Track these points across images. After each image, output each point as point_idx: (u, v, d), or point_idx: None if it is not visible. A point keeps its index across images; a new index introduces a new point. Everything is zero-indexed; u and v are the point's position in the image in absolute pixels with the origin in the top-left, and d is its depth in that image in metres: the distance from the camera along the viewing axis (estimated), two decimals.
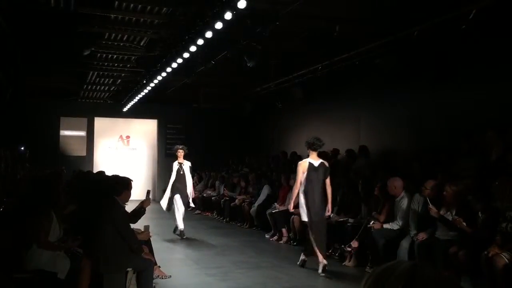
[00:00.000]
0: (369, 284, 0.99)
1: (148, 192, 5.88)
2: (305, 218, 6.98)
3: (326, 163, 7.10)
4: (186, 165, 10.34)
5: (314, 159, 7.02)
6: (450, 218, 5.97)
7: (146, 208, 5.75)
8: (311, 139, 7.08)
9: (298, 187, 6.97)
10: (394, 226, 6.96)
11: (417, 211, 6.59)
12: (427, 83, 9.19)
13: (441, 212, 6.09)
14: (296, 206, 7.21)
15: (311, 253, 7.02)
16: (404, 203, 6.92)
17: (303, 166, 6.96)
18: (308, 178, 6.88)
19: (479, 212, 5.74)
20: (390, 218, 7.15)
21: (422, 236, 6.32)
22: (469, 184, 6.11)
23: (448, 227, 5.99)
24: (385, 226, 7.04)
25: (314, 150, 7.07)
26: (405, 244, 6.46)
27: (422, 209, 6.47)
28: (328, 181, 7.03)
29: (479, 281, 5.63)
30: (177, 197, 10.07)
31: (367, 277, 1.02)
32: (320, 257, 6.77)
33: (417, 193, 6.72)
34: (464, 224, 5.77)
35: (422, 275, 0.95)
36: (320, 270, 6.73)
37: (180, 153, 10.32)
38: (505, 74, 7.58)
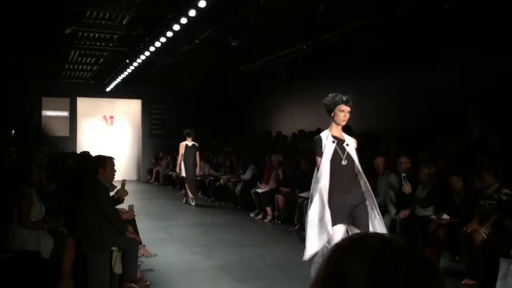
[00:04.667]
0: (335, 258, 0.92)
1: (124, 182, 5.71)
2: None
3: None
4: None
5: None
6: (422, 196, 6.13)
7: (128, 192, 5.68)
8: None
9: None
10: None
11: (395, 189, 6.72)
12: (410, 63, 9.25)
13: (417, 190, 6.24)
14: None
15: None
16: (384, 181, 7.04)
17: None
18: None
19: (455, 192, 5.86)
20: (375, 196, 7.26)
21: (403, 213, 6.45)
22: (448, 163, 6.23)
23: (418, 205, 6.16)
24: None
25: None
26: (385, 221, 6.57)
27: (400, 187, 6.61)
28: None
29: (458, 256, 5.79)
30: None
31: (332, 249, 0.95)
32: None
33: (393, 173, 6.85)
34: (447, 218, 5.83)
35: (392, 245, 0.92)
36: None
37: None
38: (487, 55, 7.66)
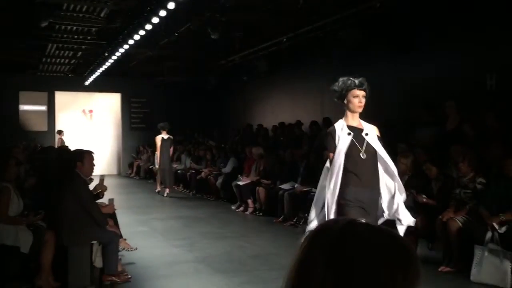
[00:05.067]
0: (305, 243, 0.94)
1: (102, 177, 5.66)
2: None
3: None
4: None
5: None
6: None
7: (107, 187, 5.66)
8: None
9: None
10: None
11: None
12: (389, 55, 9.35)
13: None
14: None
15: None
16: None
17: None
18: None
19: (433, 179, 5.98)
20: None
21: None
22: (425, 152, 6.35)
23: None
24: None
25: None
26: None
27: None
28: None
29: (434, 244, 5.92)
30: None
31: (305, 235, 0.97)
32: None
33: None
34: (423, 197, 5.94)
35: (353, 231, 0.92)
36: None
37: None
38: (465, 47, 7.79)
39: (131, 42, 10.92)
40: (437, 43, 8.31)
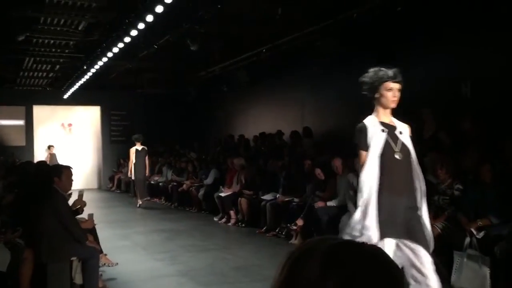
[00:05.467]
0: (289, 265, 0.89)
1: (81, 192, 5.60)
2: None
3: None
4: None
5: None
6: None
7: (86, 203, 5.60)
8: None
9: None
10: (335, 203, 7.23)
11: (354, 188, 6.88)
12: (367, 64, 9.42)
13: None
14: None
15: None
16: (344, 181, 7.20)
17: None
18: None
19: None
20: (334, 196, 7.44)
21: None
22: None
23: None
24: (329, 203, 7.30)
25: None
26: (345, 219, 6.72)
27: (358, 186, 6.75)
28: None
29: None
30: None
31: (287, 256, 0.92)
32: None
33: (351, 172, 7.02)
34: None
35: (338, 252, 0.88)
36: None
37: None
38: (439, 55, 7.93)
39: (109, 54, 10.87)
40: (412, 53, 8.45)
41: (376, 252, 0.91)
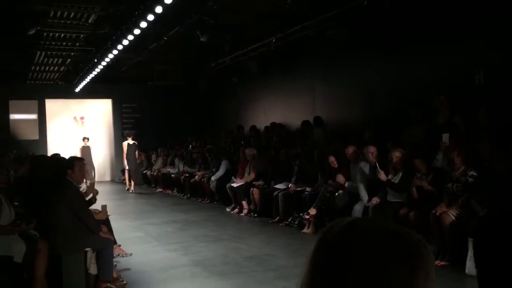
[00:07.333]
0: (315, 246, 0.93)
1: (92, 182, 5.76)
2: None
3: None
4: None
5: None
6: (396, 181, 6.25)
7: (99, 192, 5.69)
8: None
9: None
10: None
11: (366, 176, 6.85)
12: (378, 52, 9.38)
13: (389, 177, 6.35)
14: None
15: None
16: (356, 169, 7.16)
17: None
18: None
19: (422, 174, 6.01)
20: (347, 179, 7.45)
21: (375, 200, 6.59)
22: (414, 148, 6.38)
23: (395, 190, 6.26)
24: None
25: None
26: (358, 207, 6.71)
27: (371, 174, 6.72)
28: None
29: (428, 239, 5.94)
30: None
31: (316, 237, 0.96)
32: None
33: (362, 161, 6.98)
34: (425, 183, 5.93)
35: (357, 228, 0.91)
36: None
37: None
38: (452, 43, 7.82)
39: (120, 47, 10.90)
40: (425, 39, 8.34)
41: (386, 228, 0.91)
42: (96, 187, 5.94)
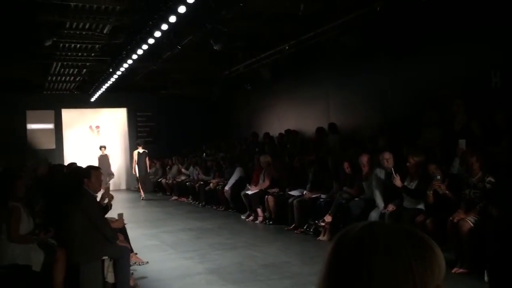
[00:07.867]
0: (330, 251, 0.96)
1: (107, 187, 5.87)
2: None
3: None
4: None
5: None
6: (413, 188, 6.18)
7: (113, 201, 5.73)
8: None
9: None
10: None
11: (382, 183, 6.79)
12: (392, 57, 9.35)
13: (405, 183, 6.29)
14: None
15: None
16: (372, 176, 7.11)
17: None
18: None
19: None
20: (362, 191, 7.37)
21: (391, 207, 6.53)
22: (431, 154, 6.31)
23: (411, 196, 6.20)
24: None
25: None
26: (374, 214, 6.66)
27: (386, 181, 6.66)
28: None
29: (445, 246, 5.86)
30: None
31: (331, 243, 0.98)
32: None
33: (379, 167, 6.93)
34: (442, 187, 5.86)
35: (373, 230, 0.93)
36: None
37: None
38: (468, 45, 7.76)
39: (134, 56, 11.01)
40: (439, 42, 8.29)
41: (401, 229, 0.94)
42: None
